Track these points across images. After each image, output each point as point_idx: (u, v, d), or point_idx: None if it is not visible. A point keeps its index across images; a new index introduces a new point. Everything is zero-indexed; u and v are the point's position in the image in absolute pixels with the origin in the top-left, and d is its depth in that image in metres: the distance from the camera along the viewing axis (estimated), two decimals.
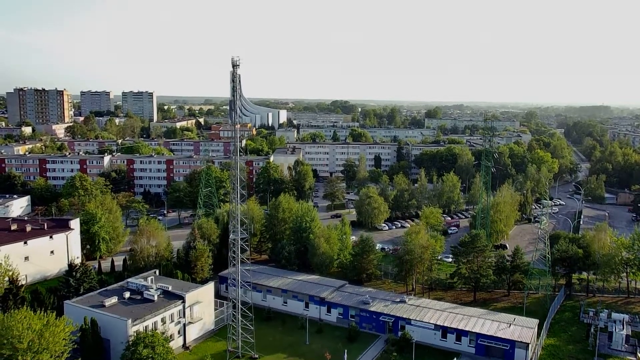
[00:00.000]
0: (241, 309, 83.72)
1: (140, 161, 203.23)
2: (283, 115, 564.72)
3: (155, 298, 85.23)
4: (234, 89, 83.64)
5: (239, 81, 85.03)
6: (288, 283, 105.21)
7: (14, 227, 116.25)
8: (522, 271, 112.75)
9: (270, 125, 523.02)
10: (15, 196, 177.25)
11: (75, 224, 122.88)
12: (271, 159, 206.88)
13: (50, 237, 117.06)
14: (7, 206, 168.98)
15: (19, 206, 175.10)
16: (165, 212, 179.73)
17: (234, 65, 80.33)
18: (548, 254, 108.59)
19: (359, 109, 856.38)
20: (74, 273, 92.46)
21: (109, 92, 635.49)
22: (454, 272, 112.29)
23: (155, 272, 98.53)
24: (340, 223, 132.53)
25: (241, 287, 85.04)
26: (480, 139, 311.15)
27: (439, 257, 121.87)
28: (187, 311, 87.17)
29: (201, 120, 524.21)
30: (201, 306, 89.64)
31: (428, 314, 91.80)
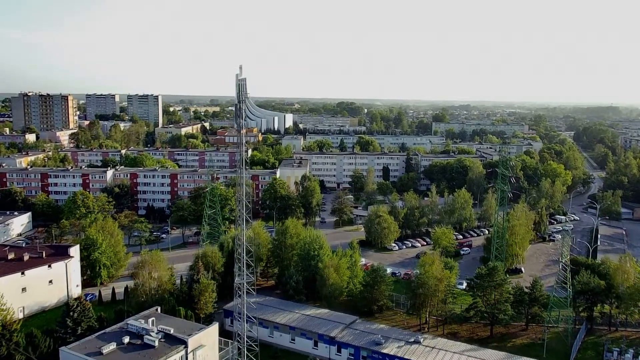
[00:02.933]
0: (247, 355, 79.11)
1: (144, 175, 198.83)
2: (289, 119, 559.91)
3: (156, 343, 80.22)
4: (239, 121, 78.45)
5: (244, 114, 79.90)
6: (296, 319, 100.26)
7: (11, 255, 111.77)
8: (541, 304, 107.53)
9: (276, 129, 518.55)
10: (16, 213, 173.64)
11: (75, 251, 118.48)
12: (277, 173, 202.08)
13: (49, 266, 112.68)
14: (8, 224, 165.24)
15: (19, 223, 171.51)
16: (169, 229, 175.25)
17: (240, 101, 74.94)
18: (569, 287, 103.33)
19: (365, 110, 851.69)
20: (71, 313, 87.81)
21: (114, 95, 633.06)
22: (470, 306, 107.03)
23: (156, 310, 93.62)
24: (349, 249, 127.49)
25: (247, 322, 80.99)
26: (490, 148, 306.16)
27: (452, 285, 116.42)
28: (190, 356, 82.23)
29: (206, 124, 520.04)
30: (205, 350, 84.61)
31: (445, 359, 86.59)
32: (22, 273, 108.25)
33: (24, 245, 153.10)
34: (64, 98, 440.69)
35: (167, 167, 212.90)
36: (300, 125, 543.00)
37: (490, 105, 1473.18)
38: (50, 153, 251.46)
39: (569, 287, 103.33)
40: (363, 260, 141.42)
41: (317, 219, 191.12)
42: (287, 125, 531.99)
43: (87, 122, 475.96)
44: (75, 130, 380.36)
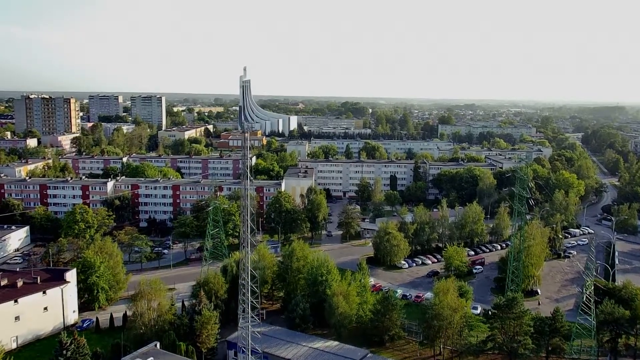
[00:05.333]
0: None
1: (146, 186, 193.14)
2: (293, 121, 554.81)
3: None
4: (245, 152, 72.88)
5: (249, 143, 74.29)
6: (303, 353, 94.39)
7: (3, 282, 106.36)
8: (563, 335, 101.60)
9: (280, 132, 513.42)
10: (13, 227, 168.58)
11: (71, 275, 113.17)
12: (282, 185, 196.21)
13: (44, 292, 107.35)
14: (4, 240, 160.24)
15: (17, 238, 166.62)
16: (171, 244, 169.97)
17: (243, 131, 69.33)
18: (594, 319, 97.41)
19: (370, 111, 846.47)
20: (64, 352, 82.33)
21: (117, 97, 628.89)
22: (488, 337, 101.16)
23: (155, 345, 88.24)
24: (358, 271, 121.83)
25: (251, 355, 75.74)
26: (500, 154, 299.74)
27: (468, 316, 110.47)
28: None
29: (210, 127, 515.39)
30: None
31: None
32: (15, 301, 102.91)
33: (20, 262, 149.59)
34: (66, 101, 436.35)
35: (169, 178, 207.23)
36: (305, 128, 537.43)
37: (495, 105, 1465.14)
38: (50, 161, 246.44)
39: (593, 319, 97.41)
40: (372, 281, 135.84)
41: (324, 232, 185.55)
42: (291, 128, 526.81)
43: (90, 124, 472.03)
44: (77, 134, 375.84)
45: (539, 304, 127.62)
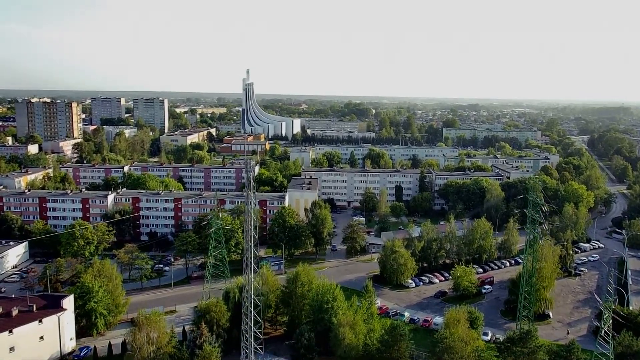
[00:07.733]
0: None
1: (147, 199, 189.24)
2: (297, 124, 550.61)
3: None
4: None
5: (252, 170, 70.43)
6: None
7: None
8: None
9: (283, 135, 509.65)
10: (11, 242, 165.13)
11: (68, 302, 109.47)
12: (286, 198, 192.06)
13: (40, 321, 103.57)
14: (2, 257, 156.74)
15: (15, 254, 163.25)
16: (172, 260, 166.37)
17: (247, 168, 65.41)
18: (611, 354, 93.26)
19: (373, 112, 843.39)
20: None
21: (119, 99, 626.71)
22: None
23: None
24: (365, 296, 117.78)
25: None
26: (507, 163, 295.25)
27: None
28: None
29: (212, 130, 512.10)
30: None
31: None
32: (10, 331, 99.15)
33: (18, 280, 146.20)
34: (68, 105, 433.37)
35: (170, 190, 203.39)
36: (308, 131, 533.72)
37: (498, 105, 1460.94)
38: (51, 170, 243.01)
39: (611, 353, 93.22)
40: (378, 302, 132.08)
41: (328, 246, 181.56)
42: (294, 131, 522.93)
43: (92, 127, 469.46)
44: (79, 140, 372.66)
45: (567, 333, 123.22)
